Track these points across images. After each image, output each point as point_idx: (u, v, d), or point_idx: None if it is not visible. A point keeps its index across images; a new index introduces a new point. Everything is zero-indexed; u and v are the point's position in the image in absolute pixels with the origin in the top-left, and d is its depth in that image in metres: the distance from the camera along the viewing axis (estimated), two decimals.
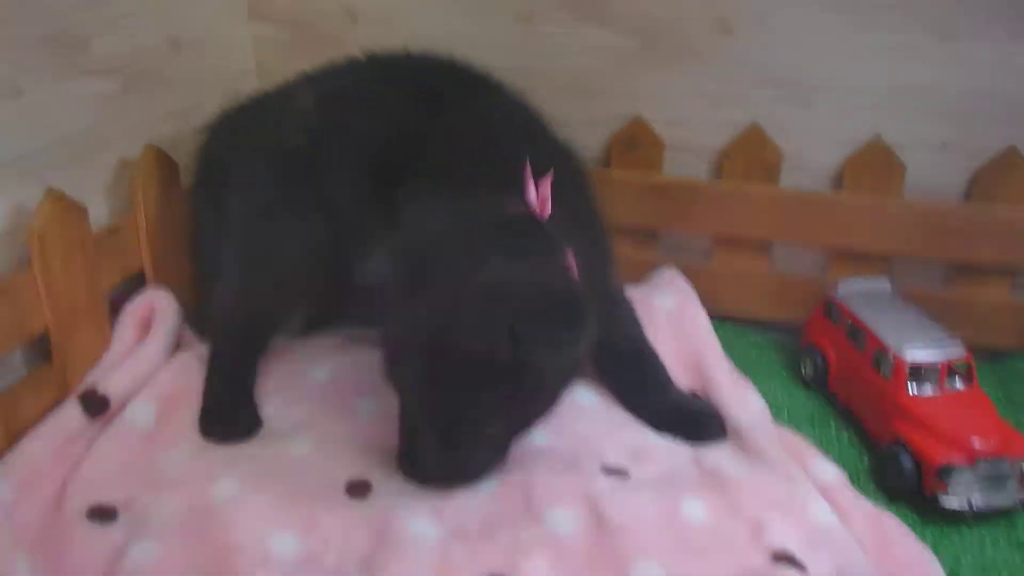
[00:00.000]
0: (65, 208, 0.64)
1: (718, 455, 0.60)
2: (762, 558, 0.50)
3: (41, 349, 0.65)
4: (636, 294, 0.77)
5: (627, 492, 0.54)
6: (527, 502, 0.54)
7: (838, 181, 0.79)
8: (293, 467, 0.58)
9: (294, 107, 0.69)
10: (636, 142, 0.83)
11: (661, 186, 0.82)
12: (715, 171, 0.83)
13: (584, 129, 0.85)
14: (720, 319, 0.77)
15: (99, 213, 0.71)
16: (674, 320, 0.74)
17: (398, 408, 0.56)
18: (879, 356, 0.66)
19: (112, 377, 0.65)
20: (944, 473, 0.57)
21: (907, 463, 0.59)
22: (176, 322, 0.73)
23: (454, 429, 0.52)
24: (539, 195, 0.53)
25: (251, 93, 0.77)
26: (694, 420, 0.64)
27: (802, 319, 0.81)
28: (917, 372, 0.63)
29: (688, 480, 0.56)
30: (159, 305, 0.73)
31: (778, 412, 0.68)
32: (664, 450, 0.62)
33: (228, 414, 0.64)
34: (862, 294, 0.72)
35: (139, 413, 0.64)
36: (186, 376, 0.68)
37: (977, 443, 0.57)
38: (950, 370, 0.63)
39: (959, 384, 0.63)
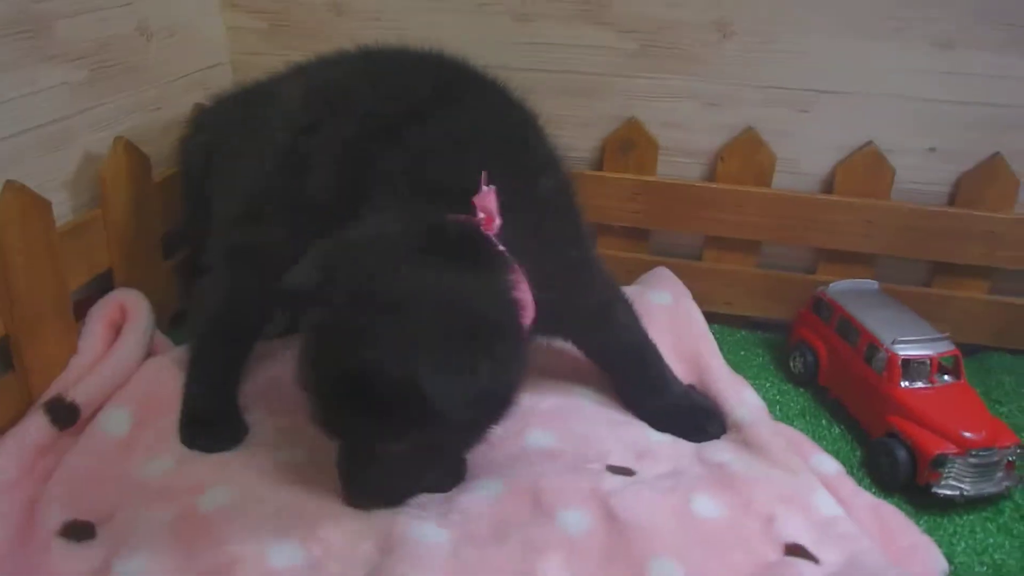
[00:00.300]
0: (27, 202, 0.59)
1: (721, 452, 0.60)
2: (775, 551, 0.50)
3: None
4: (630, 292, 0.77)
5: (636, 490, 0.53)
6: (536, 503, 0.53)
7: (828, 185, 0.81)
8: (287, 475, 0.55)
9: (282, 100, 0.66)
10: (631, 144, 0.83)
11: (654, 187, 0.83)
12: (708, 173, 0.84)
13: (579, 130, 0.85)
14: (708, 317, 0.77)
15: (62, 209, 0.66)
16: (669, 316, 0.74)
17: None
18: (871, 351, 0.68)
19: (81, 384, 0.61)
20: (938, 463, 0.59)
21: (902, 454, 0.61)
22: (149, 323, 0.69)
23: (352, 449, 0.50)
24: (481, 208, 0.50)
25: (239, 84, 0.74)
26: (694, 418, 0.64)
27: (789, 317, 0.83)
28: (909, 366, 0.65)
29: (695, 477, 0.56)
30: (129, 306, 0.69)
31: (770, 407, 0.69)
32: (667, 448, 0.61)
33: (212, 421, 0.60)
34: (852, 292, 0.75)
35: (112, 421, 0.60)
36: (162, 381, 0.64)
37: (968, 434, 0.59)
38: (940, 364, 0.65)
39: (948, 378, 0.66)
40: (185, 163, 0.74)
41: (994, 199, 0.77)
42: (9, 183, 0.58)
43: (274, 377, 0.66)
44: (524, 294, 0.51)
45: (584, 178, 0.85)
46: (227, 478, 0.55)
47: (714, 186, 0.82)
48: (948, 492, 0.59)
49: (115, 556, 0.48)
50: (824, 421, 0.71)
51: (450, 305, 0.46)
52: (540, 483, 0.54)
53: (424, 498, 0.55)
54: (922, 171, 0.78)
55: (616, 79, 0.82)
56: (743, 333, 0.85)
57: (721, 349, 0.74)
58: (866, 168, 0.79)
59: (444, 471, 0.57)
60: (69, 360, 0.64)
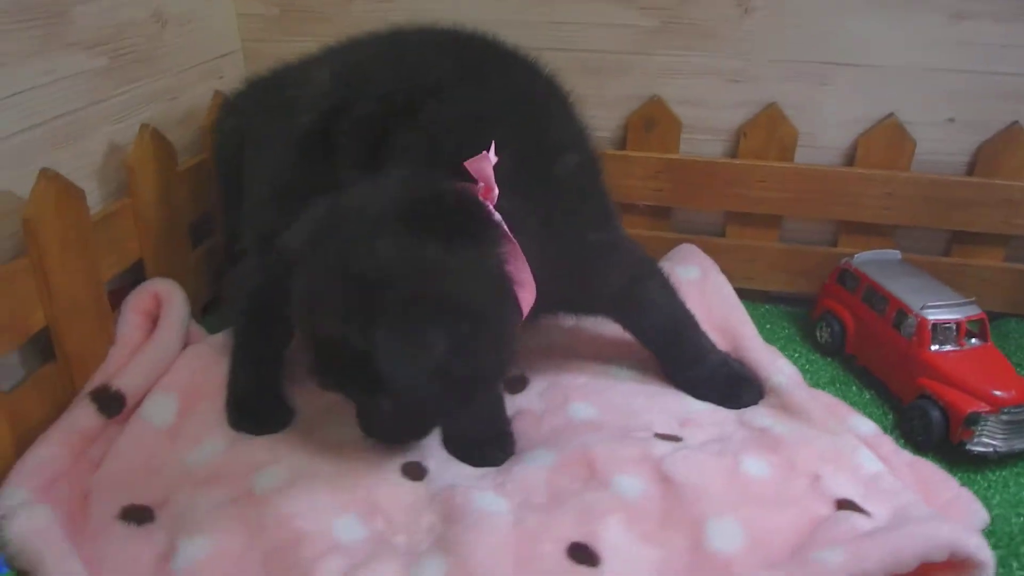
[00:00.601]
0: (62, 191, 0.58)
1: (761, 417, 0.61)
2: (827, 507, 0.51)
3: (37, 347, 0.59)
4: None
5: (687, 454, 0.54)
6: (590, 471, 0.54)
7: (850, 158, 0.82)
8: (337, 453, 0.55)
9: (309, 82, 0.66)
10: (653, 122, 0.83)
11: (677, 165, 0.84)
12: (730, 150, 0.85)
13: (601, 109, 0.85)
14: None
15: (90, 200, 0.64)
16: (699, 290, 0.75)
17: None
18: (900, 318, 0.69)
19: (125, 373, 0.61)
20: (971, 421, 0.60)
21: (935, 414, 0.63)
22: (185, 312, 0.69)
23: (355, 401, 0.51)
24: (475, 173, 0.49)
25: (271, 68, 0.72)
26: (732, 386, 0.65)
27: (811, 290, 0.84)
28: (938, 331, 0.66)
29: (740, 441, 0.57)
30: (164, 295, 0.68)
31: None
32: (708, 416, 0.63)
33: (258, 404, 0.61)
34: (876, 262, 0.76)
35: (158, 408, 0.60)
36: (203, 368, 0.64)
37: (999, 392, 0.61)
38: (967, 328, 0.67)
39: (975, 341, 0.67)
40: (218, 147, 0.73)
41: (1012, 168, 0.78)
42: (44, 171, 0.57)
43: None
44: (519, 270, 0.50)
45: (607, 157, 0.85)
46: (278, 459, 0.55)
47: (737, 162, 0.83)
48: (981, 449, 0.61)
49: (179, 538, 0.48)
50: (854, 388, 0.73)
51: (421, 278, 0.46)
52: (591, 452, 0.55)
53: (479, 471, 0.56)
54: (941, 142, 0.80)
55: (637, 57, 0.82)
56: (766, 307, 0.87)
57: None
58: (887, 140, 0.80)
59: (495, 447, 0.58)
60: (108, 350, 0.64)
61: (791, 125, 0.81)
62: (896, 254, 0.79)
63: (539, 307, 0.53)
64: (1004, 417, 0.61)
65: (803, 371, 0.74)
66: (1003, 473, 0.61)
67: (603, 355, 0.70)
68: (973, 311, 0.68)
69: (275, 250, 0.50)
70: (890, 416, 0.69)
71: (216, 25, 0.85)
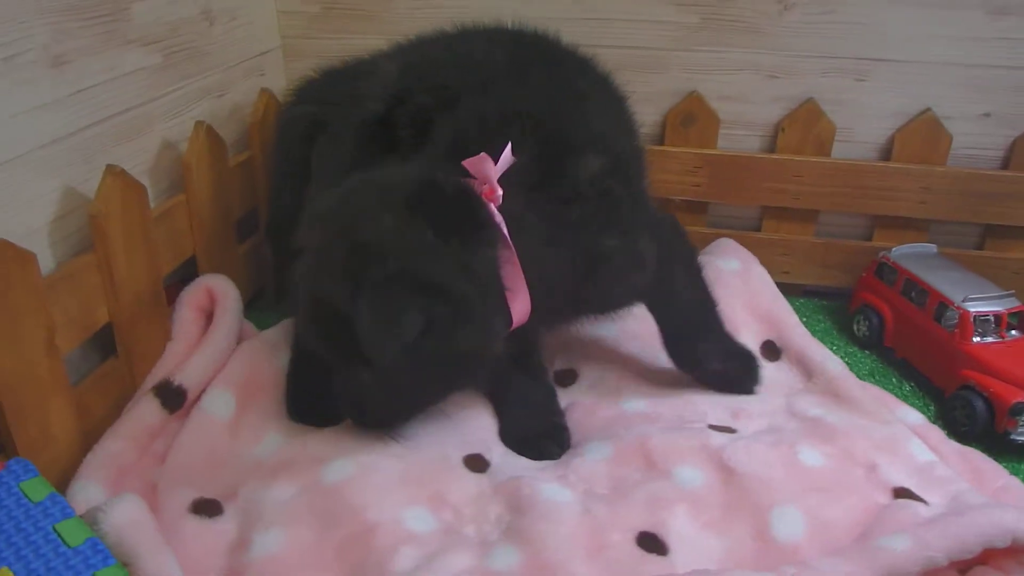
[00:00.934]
0: (127, 187, 0.59)
1: (813, 406, 0.62)
2: (885, 495, 0.52)
3: (97, 342, 0.60)
4: None
5: (745, 444, 0.55)
6: (648, 462, 0.55)
7: (886, 153, 0.83)
8: (402, 447, 0.56)
9: (378, 74, 0.67)
10: (692, 117, 0.84)
11: (715, 160, 0.84)
12: (767, 145, 0.86)
13: (639, 105, 0.84)
14: None
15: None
16: (741, 280, 0.76)
17: None
18: (941, 310, 0.70)
19: (185, 368, 0.61)
20: (1016, 411, 0.62)
21: (979, 405, 0.64)
22: (239, 307, 0.70)
23: (335, 369, 0.53)
24: (473, 172, 0.49)
25: (343, 60, 0.73)
26: (737, 373, 0.65)
27: (846, 284, 0.85)
28: (980, 322, 0.68)
29: (794, 431, 0.58)
30: (218, 291, 0.69)
31: None
32: (758, 406, 0.64)
33: (320, 397, 0.61)
34: (914, 256, 0.78)
35: (218, 403, 0.61)
36: (259, 362, 0.65)
37: None
38: (1007, 320, 0.68)
39: (1015, 332, 0.69)
40: (283, 133, 0.73)
41: None
42: (110, 167, 0.58)
43: None
44: (512, 277, 0.50)
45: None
46: (343, 451, 0.56)
47: (775, 157, 0.84)
48: None
49: (252, 530, 0.49)
50: (894, 380, 0.74)
51: (412, 256, 0.48)
52: (649, 443, 0.56)
53: (538, 464, 0.57)
54: (977, 136, 0.81)
55: (676, 53, 0.83)
56: (802, 301, 0.88)
57: None
58: (924, 135, 0.81)
59: (551, 440, 0.59)
60: (165, 346, 0.65)
61: (829, 120, 0.82)
62: (933, 248, 0.81)
63: (551, 315, 0.53)
64: None
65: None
66: None
67: (652, 346, 0.71)
68: (1013, 303, 0.69)
69: (305, 215, 0.53)
70: (931, 407, 0.70)
71: (258, 22, 0.85)
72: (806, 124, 0.83)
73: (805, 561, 0.46)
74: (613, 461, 0.55)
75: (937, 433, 0.62)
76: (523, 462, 0.57)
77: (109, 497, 0.50)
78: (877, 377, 0.75)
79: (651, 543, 0.48)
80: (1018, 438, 0.62)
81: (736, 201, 0.87)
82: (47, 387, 0.51)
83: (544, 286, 0.51)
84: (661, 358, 0.70)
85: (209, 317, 0.68)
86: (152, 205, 0.67)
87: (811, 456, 0.55)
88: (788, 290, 0.88)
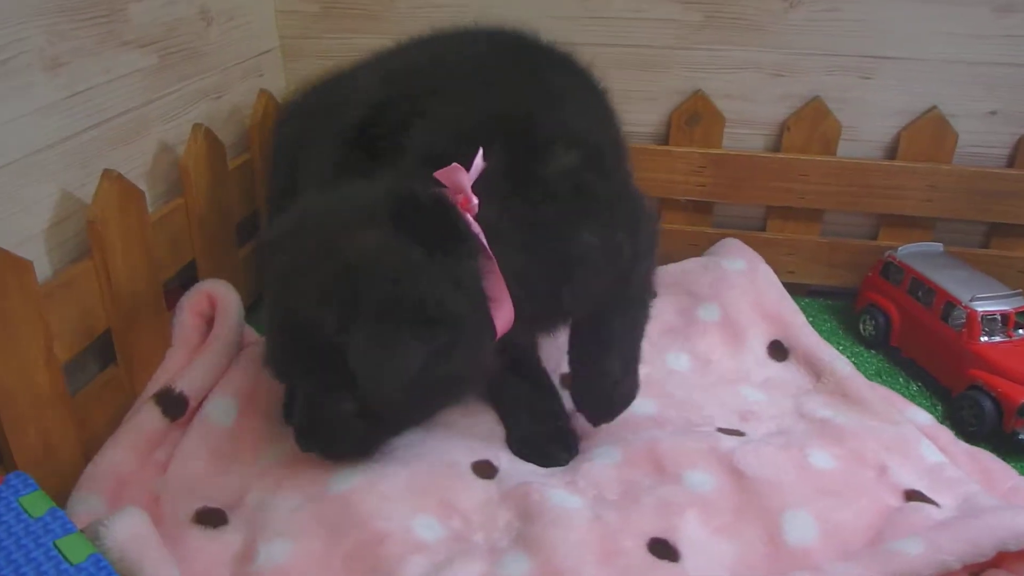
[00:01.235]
0: (124, 192, 0.58)
1: (821, 407, 0.62)
2: (896, 498, 0.52)
3: (94, 350, 0.59)
4: (701, 263, 0.79)
5: (754, 448, 0.55)
6: (658, 467, 0.54)
7: (891, 151, 0.83)
8: (407, 454, 0.55)
9: (359, 83, 0.66)
10: (697, 117, 0.83)
11: (720, 159, 0.84)
12: (772, 144, 0.85)
13: (644, 104, 0.85)
14: None
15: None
16: (748, 280, 0.76)
17: None
18: (948, 310, 0.70)
19: (186, 375, 0.60)
20: None
21: (987, 404, 0.64)
22: (241, 313, 0.69)
23: (305, 398, 0.50)
24: (447, 183, 0.47)
25: (336, 71, 0.71)
26: (606, 401, 0.58)
27: (851, 283, 0.85)
28: (987, 322, 0.67)
29: (803, 433, 0.58)
30: (219, 296, 0.68)
31: None
32: (767, 408, 0.63)
33: None
34: (920, 255, 0.77)
35: (220, 411, 0.60)
36: (260, 371, 0.64)
37: None
38: (1015, 319, 0.68)
39: (1022, 332, 0.68)
40: (276, 149, 0.73)
41: None
42: (107, 172, 0.57)
43: None
44: (495, 287, 0.48)
45: (649, 152, 0.86)
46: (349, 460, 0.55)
47: (780, 156, 0.83)
48: None
49: (258, 540, 0.48)
50: (901, 379, 0.74)
51: (404, 278, 0.45)
52: (658, 448, 0.55)
53: (547, 470, 0.56)
54: (983, 134, 0.80)
55: (680, 52, 0.82)
56: (806, 300, 0.87)
57: None
58: (930, 133, 0.80)
59: (559, 446, 0.59)
60: (165, 352, 0.64)
61: (834, 118, 0.81)
62: (939, 247, 0.80)
63: (535, 321, 0.51)
64: None
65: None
66: None
67: (658, 346, 0.71)
68: (1021, 302, 0.69)
69: (257, 241, 0.49)
70: (939, 407, 0.70)
71: (256, 22, 0.84)
72: (812, 123, 0.82)
73: (817, 566, 0.46)
74: (622, 466, 0.55)
75: (946, 434, 0.62)
76: (531, 467, 0.57)
77: (110, 508, 0.49)
78: (884, 377, 0.75)
79: (663, 549, 0.48)
80: None
81: (741, 200, 0.86)
82: (46, 397, 0.50)
83: (526, 292, 0.49)
84: (668, 354, 0.70)
85: (210, 323, 0.67)
86: (150, 209, 0.66)
87: (821, 458, 0.55)
88: (793, 290, 0.87)
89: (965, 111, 0.80)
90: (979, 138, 0.81)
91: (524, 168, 0.50)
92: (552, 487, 0.52)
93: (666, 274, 0.78)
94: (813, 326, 0.81)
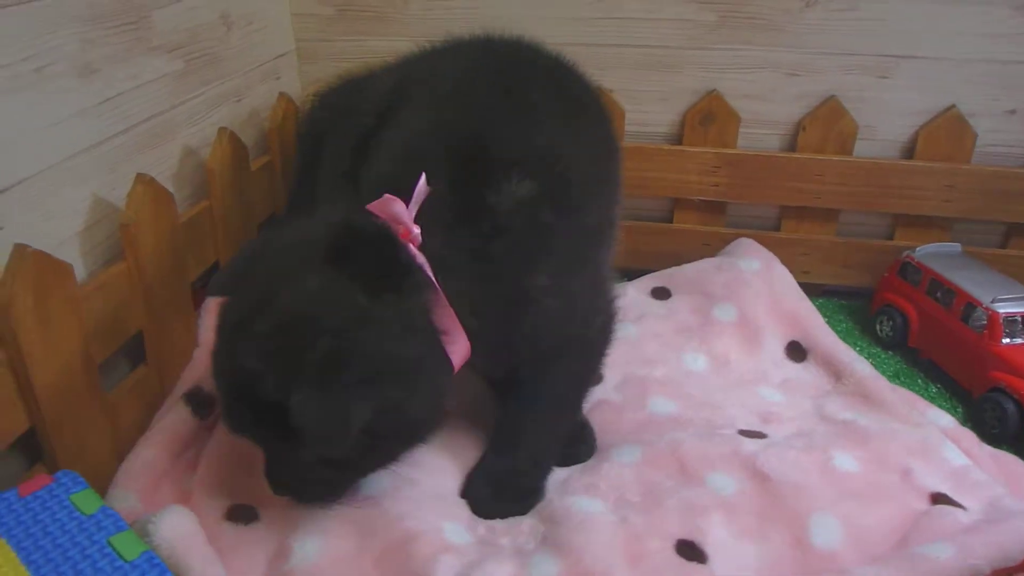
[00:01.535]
0: (156, 195, 0.59)
1: (843, 409, 0.62)
2: (922, 501, 0.52)
3: (126, 350, 0.60)
4: (717, 263, 0.79)
5: (778, 451, 0.55)
6: (681, 469, 0.55)
7: (908, 151, 0.83)
8: (433, 462, 0.56)
9: (376, 87, 0.66)
10: (711, 117, 0.84)
11: (735, 159, 0.84)
12: (787, 143, 0.85)
13: (658, 104, 0.85)
14: None
15: None
16: (763, 280, 0.76)
17: None
18: (968, 311, 0.70)
19: None
20: None
21: (1010, 407, 0.64)
22: None
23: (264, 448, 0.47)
24: (383, 215, 0.44)
25: (374, 67, 0.69)
26: (503, 492, 0.54)
27: (865, 284, 0.85)
28: (1009, 323, 0.67)
29: (826, 435, 0.58)
30: None
31: None
32: (788, 409, 0.63)
33: None
34: (938, 256, 0.77)
35: None
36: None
37: None
38: None
39: None
40: (301, 135, 0.72)
41: None
42: (140, 176, 0.58)
43: None
44: (445, 319, 0.45)
45: (663, 153, 0.87)
46: None
47: (796, 156, 0.83)
48: None
49: (291, 538, 0.49)
50: (920, 381, 0.74)
51: (346, 329, 0.41)
52: (680, 449, 0.56)
53: (565, 473, 0.56)
54: (1002, 133, 0.80)
55: (695, 51, 0.82)
56: (821, 300, 0.87)
57: None
58: (948, 132, 0.80)
59: (576, 440, 0.58)
60: (193, 352, 0.65)
61: (851, 118, 0.81)
62: (957, 247, 0.80)
63: (489, 357, 0.48)
64: None
65: None
66: None
67: (674, 345, 0.71)
68: None
69: (207, 289, 0.47)
70: (959, 409, 0.70)
71: (272, 26, 0.85)
72: (828, 122, 0.82)
73: (845, 569, 0.46)
74: (642, 466, 0.55)
75: (969, 436, 0.61)
76: (554, 473, 0.57)
77: (145, 505, 0.50)
78: (903, 379, 0.75)
79: (690, 551, 0.48)
80: None
81: (756, 200, 0.86)
82: (84, 397, 0.52)
83: (478, 325, 0.46)
84: (687, 355, 0.70)
85: None
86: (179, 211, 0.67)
87: (845, 461, 0.55)
88: (807, 290, 0.87)
89: (984, 110, 0.80)
90: (998, 137, 0.80)
91: (472, 196, 0.46)
92: (572, 494, 0.53)
93: (680, 274, 0.79)
94: (829, 326, 0.82)
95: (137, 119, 0.62)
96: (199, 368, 0.63)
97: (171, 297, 0.62)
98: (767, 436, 0.59)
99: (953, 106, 0.80)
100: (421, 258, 0.45)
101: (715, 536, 0.49)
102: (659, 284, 0.79)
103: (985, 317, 0.68)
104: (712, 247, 0.86)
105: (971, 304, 0.70)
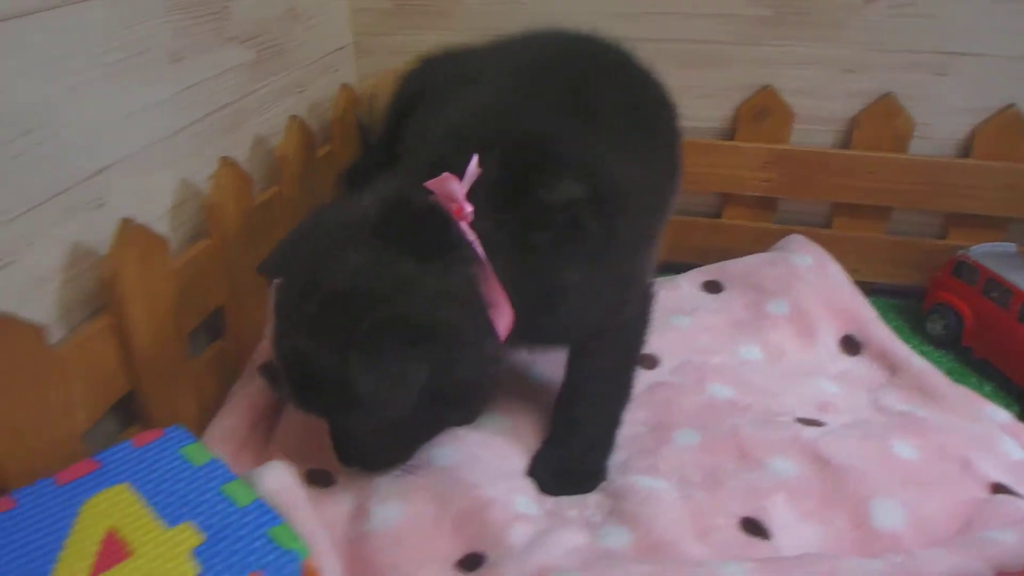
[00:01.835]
0: (238, 178, 0.62)
1: (899, 402, 0.63)
2: (982, 491, 0.53)
3: (205, 324, 0.63)
4: (768, 258, 0.80)
5: (837, 437, 0.56)
6: (741, 454, 0.56)
7: (964, 149, 0.82)
8: (496, 440, 0.57)
9: (435, 76, 0.67)
10: (765, 112, 0.84)
11: (788, 155, 0.84)
12: (840, 140, 0.85)
13: (710, 100, 0.86)
14: None
15: None
16: (816, 276, 0.76)
17: None
18: None
19: None
20: None
21: None
22: None
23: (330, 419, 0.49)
24: (439, 192, 0.46)
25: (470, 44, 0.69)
26: (564, 476, 0.56)
27: (916, 282, 0.85)
28: None
29: (884, 425, 0.59)
30: None
31: None
32: (843, 400, 0.64)
33: None
34: (994, 255, 0.77)
35: None
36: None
37: None
38: None
39: None
40: (396, 89, 0.71)
41: None
42: (224, 159, 0.61)
43: None
44: (492, 291, 0.47)
45: (715, 148, 0.87)
46: (442, 442, 0.56)
47: (849, 153, 0.83)
48: None
49: (369, 501, 0.51)
50: (973, 380, 0.74)
51: (396, 296, 0.43)
52: (740, 434, 0.57)
53: (624, 454, 0.58)
54: None
55: (749, 47, 0.83)
56: (871, 299, 0.87)
57: None
58: (1005, 131, 0.80)
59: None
60: (264, 329, 0.67)
61: (907, 115, 0.81)
62: (1012, 247, 0.79)
63: (521, 334, 0.49)
64: None
65: None
66: None
67: (728, 337, 0.72)
68: None
69: (259, 270, 0.50)
70: (1015, 408, 0.69)
71: (332, 20, 0.88)
72: (883, 119, 0.82)
73: (910, 551, 0.47)
74: (701, 449, 0.56)
75: None
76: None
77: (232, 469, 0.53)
78: (956, 376, 0.74)
79: (754, 528, 0.49)
80: None
81: (808, 197, 0.87)
82: (176, 364, 0.55)
83: (515, 304, 0.48)
84: (741, 347, 0.71)
85: None
86: None
87: (904, 449, 0.55)
88: (859, 287, 0.87)
89: None
90: None
91: (523, 186, 0.48)
92: (634, 472, 0.54)
93: (732, 268, 0.80)
94: (882, 321, 0.82)
95: (214, 106, 0.65)
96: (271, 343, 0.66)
97: (249, 274, 0.64)
98: (825, 424, 0.60)
99: (1012, 105, 0.79)
100: (471, 235, 0.47)
101: (778, 516, 0.50)
102: (711, 278, 0.79)
103: None
104: (762, 243, 0.86)
105: None
